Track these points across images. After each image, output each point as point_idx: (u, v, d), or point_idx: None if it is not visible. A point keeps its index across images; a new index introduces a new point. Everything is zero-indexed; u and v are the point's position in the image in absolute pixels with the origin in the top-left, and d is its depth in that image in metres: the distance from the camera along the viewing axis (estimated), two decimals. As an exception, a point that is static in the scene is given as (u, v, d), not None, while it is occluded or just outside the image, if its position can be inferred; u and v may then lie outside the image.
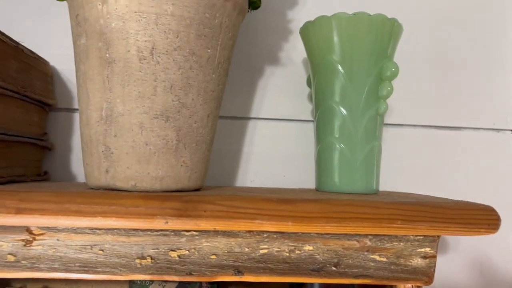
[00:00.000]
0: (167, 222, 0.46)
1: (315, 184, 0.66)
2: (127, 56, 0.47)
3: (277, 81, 0.78)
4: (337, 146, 0.61)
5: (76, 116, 0.74)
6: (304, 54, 0.77)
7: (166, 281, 0.63)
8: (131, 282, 0.64)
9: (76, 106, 0.74)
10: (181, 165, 0.50)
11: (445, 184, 0.80)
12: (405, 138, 0.80)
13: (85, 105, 0.50)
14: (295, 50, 0.78)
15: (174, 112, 0.48)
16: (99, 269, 0.49)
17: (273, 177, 0.77)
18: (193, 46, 0.49)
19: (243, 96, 0.77)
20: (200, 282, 0.62)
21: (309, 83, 0.70)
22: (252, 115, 0.77)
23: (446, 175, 0.81)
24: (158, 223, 0.46)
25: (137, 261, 0.49)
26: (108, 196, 0.45)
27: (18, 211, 0.45)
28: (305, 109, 0.78)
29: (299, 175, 0.77)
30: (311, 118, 0.78)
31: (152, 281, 0.63)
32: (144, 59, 0.47)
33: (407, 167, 0.80)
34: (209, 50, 0.50)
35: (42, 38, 0.74)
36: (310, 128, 0.78)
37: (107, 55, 0.48)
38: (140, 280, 0.64)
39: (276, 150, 0.77)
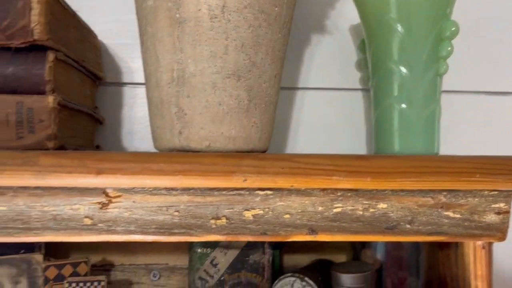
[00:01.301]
0: (245, 180, 0.46)
1: (374, 151, 0.65)
2: (198, 15, 0.47)
3: (324, 49, 0.77)
4: (398, 107, 0.60)
5: (124, 90, 0.74)
6: (351, 21, 0.76)
7: (228, 248, 0.63)
8: (192, 251, 0.64)
9: (124, 80, 0.74)
10: (252, 126, 0.50)
11: (496, 151, 0.79)
12: (457, 104, 0.79)
13: (154, 67, 0.50)
14: (341, 17, 0.77)
15: (245, 72, 0.48)
16: (175, 231, 0.49)
17: (322, 147, 0.77)
18: (262, 3, 0.48)
19: (290, 66, 0.77)
20: (263, 248, 0.62)
21: (362, 48, 0.69)
22: (300, 85, 0.77)
23: (495, 141, 0.80)
24: (236, 181, 0.46)
25: (212, 221, 0.49)
26: (186, 155, 0.45)
27: (99, 172, 0.45)
28: (353, 78, 0.77)
29: (348, 144, 0.77)
30: (359, 87, 0.77)
31: (213, 249, 0.63)
32: (215, 17, 0.47)
33: (459, 132, 0.79)
34: (276, 8, 0.50)
35: (87, 13, 0.74)
36: (358, 96, 0.77)
37: (177, 15, 0.47)
38: (200, 249, 0.64)
39: (324, 120, 0.77)
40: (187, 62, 0.47)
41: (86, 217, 0.48)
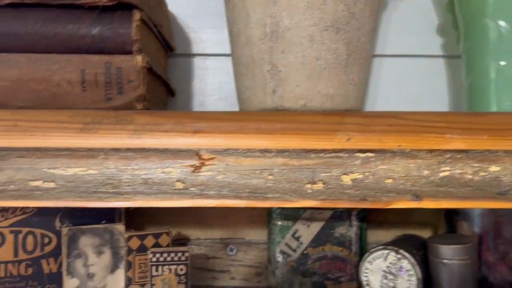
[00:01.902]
0: (349, 139, 0.43)
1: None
2: (293, -36, 0.44)
3: (401, 15, 0.72)
4: (496, 66, 0.55)
5: (195, 61, 0.72)
6: (432, -17, 0.71)
7: (311, 220, 0.60)
8: (272, 224, 0.62)
9: (194, 51, 0.72)
10: (350, 83, 0.46)
11: None
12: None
13: (243, 24, 0.47)
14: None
15: (344, 23, 0.45)
16: (269, 195, 0.46)
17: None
18: (361, -50, 0.45)
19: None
20: (350, 221, 0.58)
21: (450, 9, 0.64)
22: (377, 52, 0.72)
23: None
24: (339, 140, 0.43)
25: (308, 186, 0.46)
26: (286, 113, 0.43)
27: (196, 131, 0.43)
28: (434, 44, 0.72)
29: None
30: (441, 53, 0.72)
31: (295, 222, 0.61)
32: (313, -35, 0.44)
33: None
34: (375, -44, 0.46)
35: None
36: (439, 64, 0.72)
37: (271, -35, 0.44)
38: (281, 221, 0.61)
39: (403, 89, 0.72)
40: (281, 15, 0.44)
41: (178, 180, 0.47)
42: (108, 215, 0.58)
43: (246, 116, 0.42)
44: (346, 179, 0.46)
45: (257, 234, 0.67)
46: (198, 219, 0.67)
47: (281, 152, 0.46)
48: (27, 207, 0.55)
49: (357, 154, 0.46)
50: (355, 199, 0.47)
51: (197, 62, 0.72)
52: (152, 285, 0.55)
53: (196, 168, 0.47)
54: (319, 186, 0.47)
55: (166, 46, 0.66)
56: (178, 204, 0.48)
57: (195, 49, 0.72)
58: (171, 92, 0.68)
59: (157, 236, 0.57)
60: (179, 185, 0.47)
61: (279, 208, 0.62)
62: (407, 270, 0.53)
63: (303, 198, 0.47)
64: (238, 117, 0.42)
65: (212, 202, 0.48)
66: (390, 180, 0.46)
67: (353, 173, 0.46)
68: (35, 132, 0.42)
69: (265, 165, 0.47)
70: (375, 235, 0.67)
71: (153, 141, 0.43)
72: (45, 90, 0.46)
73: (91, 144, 0.43)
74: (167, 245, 0.57)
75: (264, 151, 0.46)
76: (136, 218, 0.66)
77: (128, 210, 0.61)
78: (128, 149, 0.46)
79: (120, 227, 0.56)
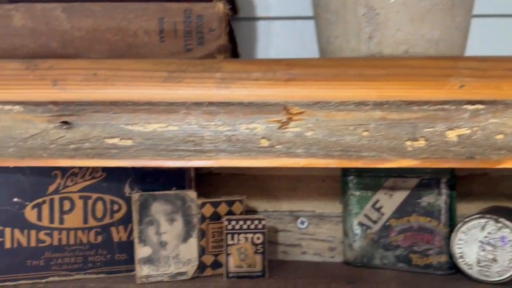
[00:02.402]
0: (462, 86, 0.38)
1: None
2: None
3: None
4: None
5: (259, 26, 0.68)
6: None
7: (394, 189, 0.55)
8: (349, 195, 0.57)
9: (258, 14, 0.68)
10: (456, 27, 0.42)
11: None
12: None
13: (333, -34, 0.43)
14: None
15: (451, -41, 0.40)
16: (363, 154, 0.42)
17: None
18: None
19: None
20: (439, 189, 0.53)
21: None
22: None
23: None
24: (451, 87, 0.38)
25: (408, 143, 0.42)
26: (390, 58, 0.38)
27: (289, 79, 0.39)
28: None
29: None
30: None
31: (375, 191, 0.56)
32: None
33: None
34: None
35: None
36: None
37: None
38: (359, 191, 0.57)
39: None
40: (379, -49, 0.40)
41: (263, 138, 0.43)
42: (178, 182, 0.55)
43: (346, 61, 0.38)
44: (452, 135, 0.42)
45: (329, 207, 0.63)
46: (265, 191, 0.64)
47: (379, 105, 0.42)
48: (96, 172, 0.52)
49: (465, 107, 0.41)
50: (461, 158, 0.42)
51: (261, 26, 0.69)
52: (227, 254, 0.51)
53: (283, 124, 0.43)
54: (421, 143, 0.42)
55: (233, 7, 0.63)
56: (263, 163, 0.44)
57: (259, 12, 0.68)
58: (236, 56, 0.65)
59: (230, 203, 0.54)
60: (264, 143, 0.43)
61: (356, 177, 0.57)
62: (510, 241, 0.48)
63: (402, 157, 0.43)
64: (336, 63, 0.38)
65: (299, 162, 0.44)
66: (501, 136, 0.41)
67: (459, 128, 0.41)
68: (116, 81, 0.39)
69: (360, 119, 0.42)
70: (460, 208, 0.62)
71: (242, 92, 0.39)
72: (121, 41, 0.43)
73: (175, 95, 0.39)
74: (240, 213, 0.54)
75: (360, 104, 0.42)
76: (201, 188, 0.63)
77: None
78: (211, 103, 0.43)
79: (191, 193, 0.53)
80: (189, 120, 0.43)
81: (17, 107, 0.43)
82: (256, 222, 0.51)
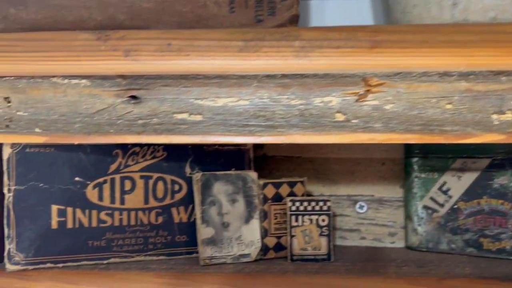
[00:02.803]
0: None
1: None
2: None
3: None
4: None
5: (311, 4, 0.66)
6: None
7: (462, 171, 0.53)
8: (413, 177, 0.55)
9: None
10: (548, -7, 0.39)
11: None
12: None
13: None
14: None
15: None
16: (446, 128, 0.40)
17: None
18: None
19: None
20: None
21: None
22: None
23: None
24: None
25: (494, 116, 0.39)
26: (480, 24, 0.36)
27: (373, 45, 0.37)
28: None
29: None
30: None
31: (442, 173, 0.54)
32: None
33: None
34: None
35: None
36: None
37: None
38: (425, 173, 0.55)
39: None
40: None
41: (338, 112, 0.41)
42: (237, 163, 0.54)
43: (434, 27, 0.36)
44: (542, 108, 0.39)
45: (388, 191, 0.61)
46: (321, 174, 0.62)
47: (464, 75, 0.40)
48: (157, 151, 0.51)
49: (559, 77, 0.39)
50: (552, 133, 0.40)
51: (314, 4, 0.67)
52: (292, 236, 0.50)
53: (361, 97, 0.41)
54: (508, 116, 0.40)
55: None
56: (337, 139, 0.42)
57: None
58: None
59: (292, 184, 0.52)
60: (340, 117, 0.41)
61: (421, 158, 0.55)
62: None
63: (487, 131, 0.40)
64: (424, 29, 0.36)
65: (376, 137, 0.42)
66: None
67: (547, 100, 0.39)
68: (190, 52, 0.38)
69: (443, 91, 0.40)
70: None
71: (321, 61, 0.37)
72: (190, 12, 0.41)
73: (250, 66, 0.38)
74: (302, 195, 0.52)
75: (444, 75, 0.40)
76: (258, 168, 0.62)
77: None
78: (284, 76, 0.41)
79: (252, 174, 0.52)
80: (261, 94, 0.41)
81: (84, 81, 0.43)
82: (321, 203, 0.50)
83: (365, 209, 0.60)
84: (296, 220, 0.49)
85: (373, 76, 0.40)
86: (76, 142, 0.44)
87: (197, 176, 0.50)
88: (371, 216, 0.61)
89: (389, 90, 0.40)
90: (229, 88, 0.42)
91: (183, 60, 0.38)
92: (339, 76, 0.41)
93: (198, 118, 0.42)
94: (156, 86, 0.42)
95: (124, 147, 0.50)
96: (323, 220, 0.50)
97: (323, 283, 0.45)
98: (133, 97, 0.43)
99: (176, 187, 0.51)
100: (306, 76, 0.41)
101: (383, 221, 0.60)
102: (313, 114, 0.41)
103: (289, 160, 0.62)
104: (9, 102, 0.44)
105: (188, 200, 0.52)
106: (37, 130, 0.44)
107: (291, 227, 0.49)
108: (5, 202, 0.47)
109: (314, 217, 0.50)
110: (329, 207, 0.50)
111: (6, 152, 0.47)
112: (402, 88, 0.40)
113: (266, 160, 0.62)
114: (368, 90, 0.40)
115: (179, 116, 0.43)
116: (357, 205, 0.60)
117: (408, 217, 0.56)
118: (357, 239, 0.60)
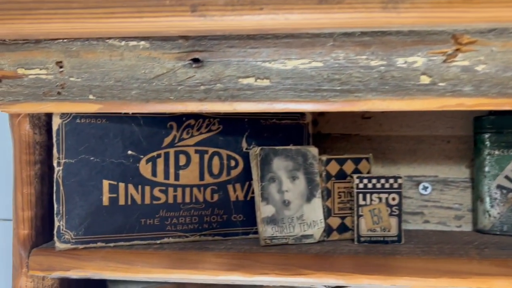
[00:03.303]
0: None
1: None
2: None
3: None
4: None
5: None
6: None
7: None
8: (485, 155, 0.51)
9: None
10: None
11: None
12: None
13: None
14: None
15: None
16: (547, 91, 0.36)
17: None
18: None
19: None
20: None
21: None
22: None
23: None
24: None
25: None
26: None
27: (472, -6, 0.33)
28: None
29: None
30: None
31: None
32: None
33: None
34: None
35: None
36: None
37: None
38: (499, 150, 0.50)
39: None
40: None
41: (423, 73, 0.37)
42: (296, 138, 0.50)
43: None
44: None
45: (454, 171, 0.56)
46: (380, 153, 0.58)
47: None
48: (213, 124, 0.48)
49: None
50: None
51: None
52: (359, 216, 0.46)
53: (449, 57, 0.37)
54: None
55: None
56: (421, 105, 0.38)
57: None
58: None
59: (356, 161, 0.48)
60: (425, 80, 0.37)
61: (495, 134, 0.51)
62: None
63: None
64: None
65: (465, 102, 0.38)
66: None
67: None
68: (264, 4, 0.34)
69: (547, 50, 0.36)
70: None
71: (412, 14, 0.33)
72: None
73: (331, 20, 0.34)
74: (367, 172, 0.48)
75: (547, 30, 0.36)
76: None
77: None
78: (364, 33, 0.37)
79: (313, 149, 0.48)
80: (336, 54, 0.38)
81: (142, 42, 0.39)
82: (391, 180, 0.46)
83: (429, 190, 0.56)
84: (364, 199, 0.46)
85: (464, 33, 0.36)
86: (133, 111, 0.41)
87: (256, 150, 0.46)
88: (435, 197, 0.56)
89: (481, 48, 0.36)
90: (300, 49, 0.38)
91: (255, 15, 0.35)
92: (426, 33, 0.37)
93: (265, 83, 0.39)
94: (221, 47, 0.39)
95: (179, 119, 0.47)
96: (393, 199, 0.46)
97: (400, 266, 0.41)
98: (196, 60, 0.39)
99: (232, 163, 0.48)
100: (389, 34, 0.37)
101: (449, 203, 0.56)
102: (395, 76, 0.38)
103: (346, 138, 0.58)
104: (61, 67, 0.41)
105: (244, 177, 0.48)
106: (90, 97, 0.41)
107: (358, 206, 0.46)
108: (55, 176, 0.44)
109: (383, 196, 0.46)
110: (400, 184, 0.46)
111: (56, 122, 0.44)
112: (496, 46, 0.36)
113: (320, 139, 0.58)
114: (457, 49, 0.36)
115: (245, 81, 0.39)
116: (420, 186, 0.56)
117: (478, 198, 0.52)
118: (420, 222, 0.56)
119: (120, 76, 0.40)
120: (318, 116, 0.57)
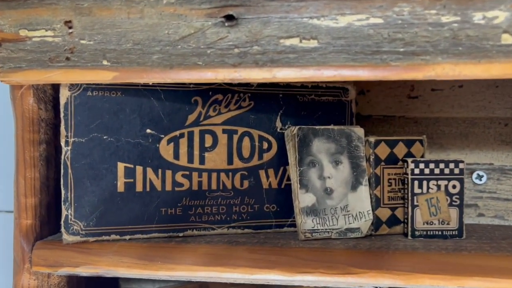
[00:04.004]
0: None
1: None
2: None
3: None
4: None
5: None
6: None
7: None
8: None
9: None
10: None
11: None
12: None
13: None
14: None
15: None
16: None
17: None
18: None
19: None
20: None
21: None
22: None
23: None
24: None
25: None
26: None
27: None
28: None
29: None
30: None
31: None
32: None
33: None
34: None
35: None
36: None
37: None
38: None
39: None
40: None
41: (505, 31, 0.31)
42: (338, 117, 0.44)
43: None
44: None
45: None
46: (428, 137, 0.51)
47: None
48: (243, 100, 0.42)
49: None
50: None
51: None
52: (414, 206, 0.40)
53: (540, 10, 0.31)
54: None
55: None
56: (502, 70, 0.32)
57: None
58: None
59: (409, 143, 0.42)
60: (508, 39, 0.31)
61: None
62: None
63: None
64: None
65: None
66: None
67: None
68: None
69: None
70: None
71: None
72: None
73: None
74: (421, 156, 0.42)
75: None
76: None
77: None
78: (435, -18, 0.31)
79: (358, 130, 0.42)
80: (400, 9, 0.31)
81: (166, -3, 0.34)
82: (451, 165, 0.39)
83: (484, 179, 0.49)
84: (420, 187, 0.39)
85: (561, -21, 0.30)
86: (154, 79, 0.35)
87: (293, 129, 0.40)
88: (491, 187, 0.50)
89: None
90: (356, 1, 0.32)
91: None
92: (513, -18, 0.30)
93: (313, 44, 0.33)
94: (259, 1, 0.33)
95: (205, 93, 0.41)
96: (454, 187, 0.39)
97: (468, 264, 0.35)
98: (229, 17, 0.33)
99: (265, 145, 0.42)
100: (465, -17, 0.31)
101: (507, 194, 0.49)
102: (471, 36, 0.31)
103: (389, 120, 0.52)
104: (70, 27, 0.35)
105: (278, 161, 0.42)
106: (104, 63, 0.35)
107: (413, 195, 0.39)
108: (62, 157, 0.39)
109: (442, 183, 0.39)
110: (461, 170, 0.39)
111: (64, 95, 0.38)
112: None
113: (359, 121, 0.52)
114: (551, 0, 0.30)
115: (288, 41, 0.33)
116: (474, 175, 0.49)
117: (545, 188, 0.46)
118: (474, 216, 0.50)
119: (139, 38, 0.34)
120: (358, 95, 0.51)
